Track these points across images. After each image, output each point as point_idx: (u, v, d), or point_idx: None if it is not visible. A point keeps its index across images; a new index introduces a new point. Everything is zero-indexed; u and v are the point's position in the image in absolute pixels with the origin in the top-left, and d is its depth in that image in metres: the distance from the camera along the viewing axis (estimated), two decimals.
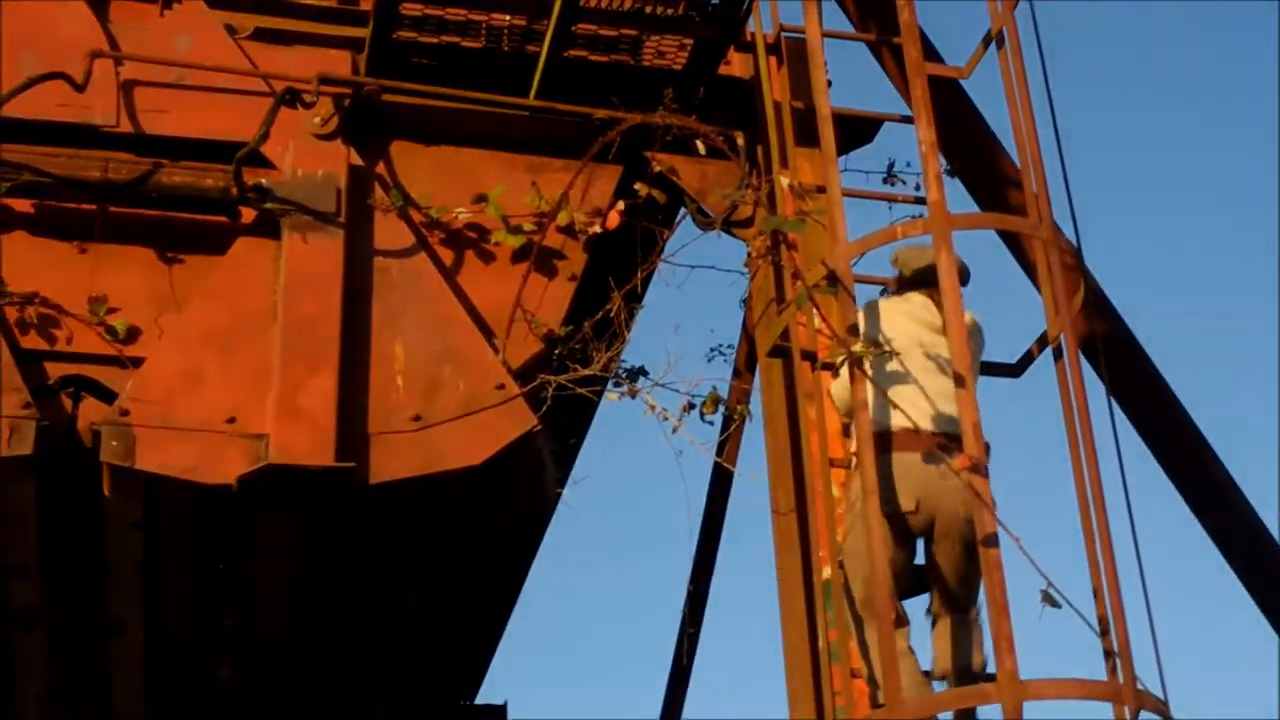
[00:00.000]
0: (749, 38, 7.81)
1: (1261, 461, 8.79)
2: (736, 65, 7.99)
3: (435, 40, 7.49)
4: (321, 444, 6.66)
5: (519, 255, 7.34)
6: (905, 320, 6.88)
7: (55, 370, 6.82)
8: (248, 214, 7.09)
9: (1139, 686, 6.03)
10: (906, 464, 6.59)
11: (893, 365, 6.75)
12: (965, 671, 6.60)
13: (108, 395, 6.78)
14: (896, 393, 6.60)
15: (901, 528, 6.56)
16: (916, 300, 6.95)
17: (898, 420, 6.61)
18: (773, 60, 7.77)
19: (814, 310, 6.82)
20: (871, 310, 6.97)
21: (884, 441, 6.54)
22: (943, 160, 7.26)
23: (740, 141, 7.58)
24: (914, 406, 6.60)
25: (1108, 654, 6.11)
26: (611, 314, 7.16)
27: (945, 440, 6.53)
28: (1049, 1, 7.40)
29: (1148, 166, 24.75)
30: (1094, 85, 23.07)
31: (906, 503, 6.56)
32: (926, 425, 6.59)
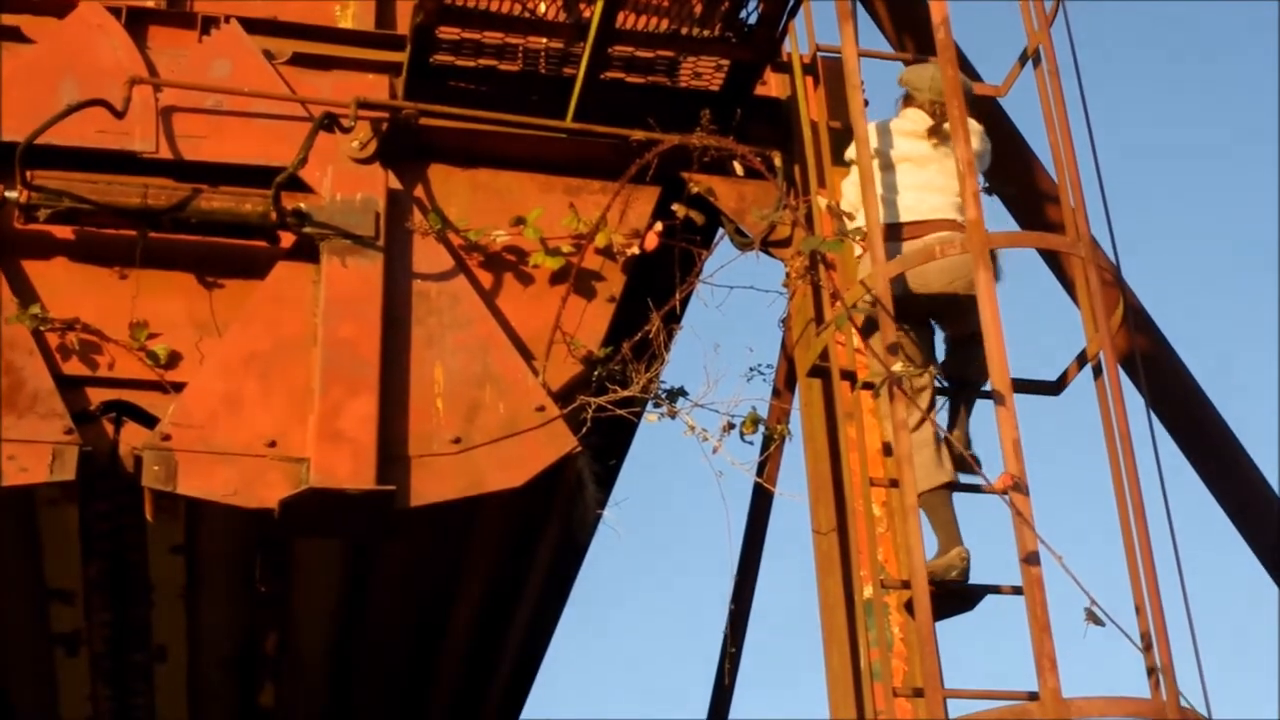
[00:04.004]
0: (785, 58, 7.83)
1: (1263, 464, 8.75)
2: (773, 85, 7.99)
3: (472, 64, 7.50)
4: (362, 467, 6.66)
5: (558, 277, 7.34)
6: (899, 137, 7.42)
7: (97, 396, 6.82)
8: (287, 238, 7.10)
9: (1183, 703, 6.01)
10: (896, 249, 7.07)
11: (887, 178, 7.24)
12: (967, 382, 7.31)
13: (149, 420, 6.79)
14: (895, 196, 7.14)
15: (913, 307, 7.09)
16: (909, 115, 7.48)
17: (896, 216, 7.18)
18: (809, 80, 7.78)
19: (853, 330, 6.84)
20: (883, 130, 7.48)
21: (892, 232, 7.15)
22: (981, 179, 7.29)
23: (778, 162, 7.58)
24: (909, 204, 7.21)
25: (1151, 671, 6.09)
26: (650, 335, 7.15)
27: (943, 222, 7.17)
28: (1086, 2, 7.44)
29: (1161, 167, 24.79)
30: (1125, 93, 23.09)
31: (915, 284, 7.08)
32: (923, 216, 7.18)
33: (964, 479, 7.09)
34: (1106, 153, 7.26)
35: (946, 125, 7.19)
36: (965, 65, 7.69)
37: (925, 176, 7.27)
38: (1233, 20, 23.77)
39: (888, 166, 7.33)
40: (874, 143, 7.29)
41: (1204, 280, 23.83)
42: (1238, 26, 24.00)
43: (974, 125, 7.43)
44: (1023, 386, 7.15)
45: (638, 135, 7.39)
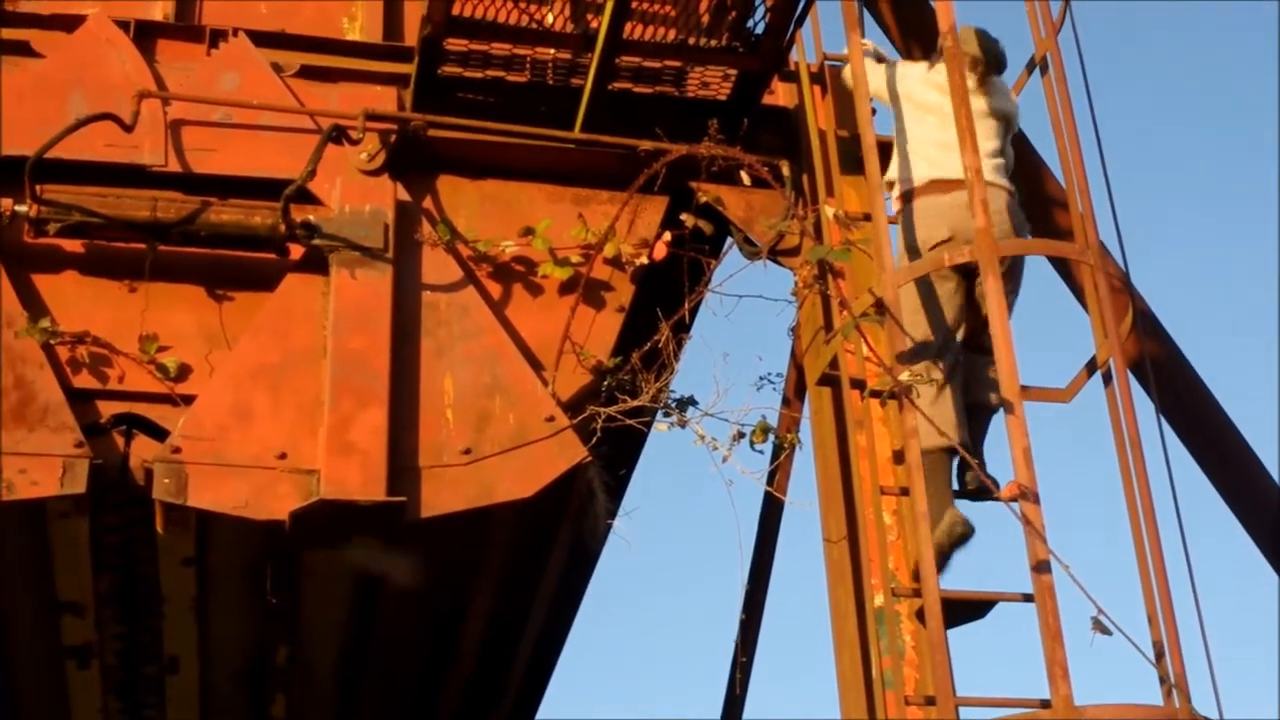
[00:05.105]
0: (793, 67, 7.83)
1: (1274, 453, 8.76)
2: (781, 95, 7.99)
3: (480, 75, 7.51)
4: (372, 478, 6.67)
5: (566, 287, 7.34)
6: (929, 89, 7.42)
7: (107, 409, 6.83)
8: (296, 250, 7.11)
9: (1195, 712, 6.01)
10: (936, 203, 7.12)
11: (917, 128, 7.25)
12: (981, 406, 7.19)
13: (160, 433, 6.80)
14: (921, 149, 7.16)
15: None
16: (942, 69, 7.35)
17: (923, 172, 7.23)
18: (816, 89, 7.80)
19: (862, 339, 6.84)
20: (894, 68, 7.58)
21: (910, 195, 7.25)
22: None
23: (785, 171, 7.59)
24: (938, 160, 7.19)
25: (1163, 680, 6.09)
26: (660, 344, 7.16)
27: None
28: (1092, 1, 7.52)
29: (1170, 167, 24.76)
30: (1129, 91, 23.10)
31: (940, 233, 7.07)
32: (951, 175, 7.08)
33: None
34: (1114, 159, 7.27)
35: (971, 84, 7.29)
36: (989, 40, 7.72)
37: (950, 136, 7.21)
38: (1233, 21, 23.75)
39: (916, 113, 7.39)
40: (902, 85, 7.46)
41: (1212, 282, 23.82)
42: (1238, 28, 23.98)
43: (1001, 85, 7.52)
44: (1032, 394, 7.15)
45: (646, 145, 7.39)
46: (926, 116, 7.37)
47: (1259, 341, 23.38)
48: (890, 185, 7.39)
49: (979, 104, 7.38)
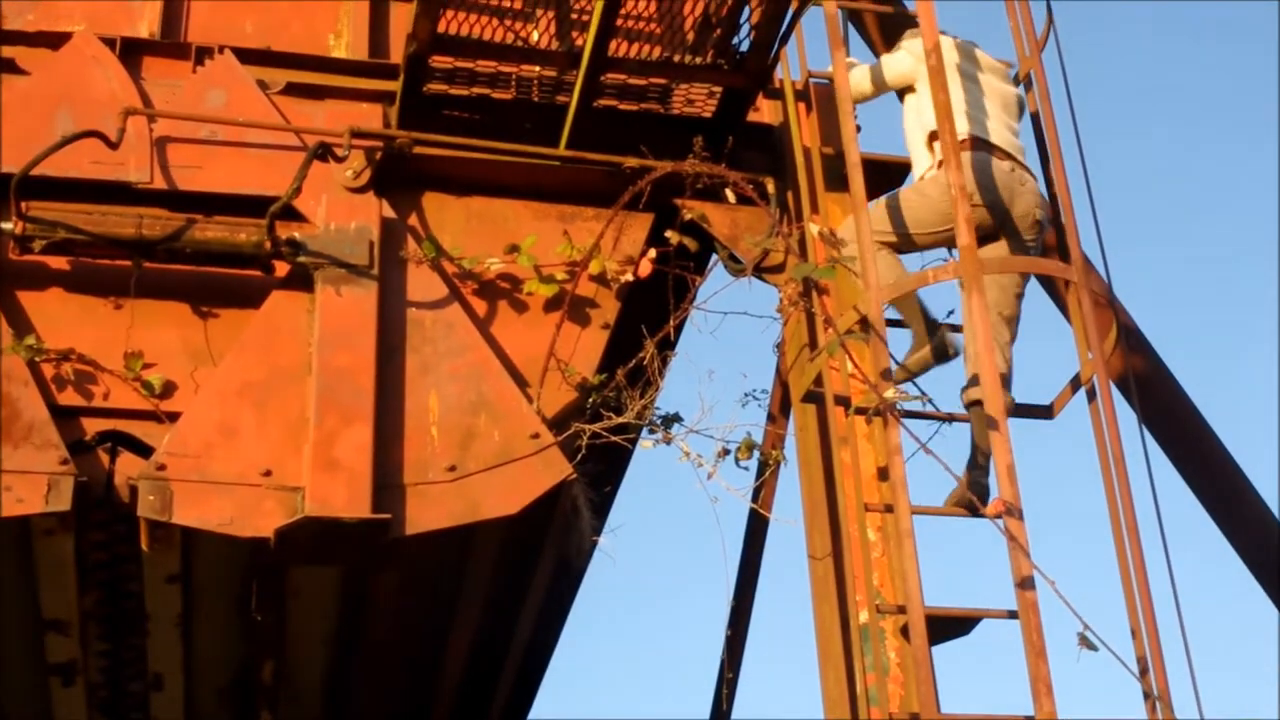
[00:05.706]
0: (777, 85, 7.84)
1: (1261, 467, 8.79)
2: (766, 112, 8.01)
3: (466, 92, 7.52)
4: (357, 496, 6.67)
5: (552, 305, 7.35)
6: (950, 50, 7.48)
7: (92, 426, 6.83)
8: (281, 268, 7.11)
9: None
10: (975, 161, 7.14)
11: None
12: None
13: (144, 450, 6.80)
14: (958, 106, 7.09)
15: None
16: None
17: (963, 127, 7.20)
18: (801, 106, 7.80)
19: (846, 356, 6.85)
20: (909, 43, 7.66)
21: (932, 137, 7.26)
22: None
23: (770, 188, 7.60)
24: (977, 119, 7.26)
25: (1147, 695, 6.10)
26: (645, 361, 7.16)
27: (974, 140, 7.23)
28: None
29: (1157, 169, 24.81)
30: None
31: (979, 195, 7.10)
32: (987, 137, 7.25)
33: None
34: (1101, 168, 7.31)
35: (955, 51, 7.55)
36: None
37: (986, 102, 7.42)
38: (1232, 21, 23.79)
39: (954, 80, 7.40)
40: (906, 62, 7.56)
41: (1204, 291, 23.86)
42: (1237, 28, 24.03)
43: (998, 65, 7.57)
44: (1017, 411, 7.17)
45: (631, 162, 7.40)
46: (954, 78, 7.37)
47: (1256, 349, 23.40)
48: (934, 135, 7.37)
49: (1004, 88, 7.54)
